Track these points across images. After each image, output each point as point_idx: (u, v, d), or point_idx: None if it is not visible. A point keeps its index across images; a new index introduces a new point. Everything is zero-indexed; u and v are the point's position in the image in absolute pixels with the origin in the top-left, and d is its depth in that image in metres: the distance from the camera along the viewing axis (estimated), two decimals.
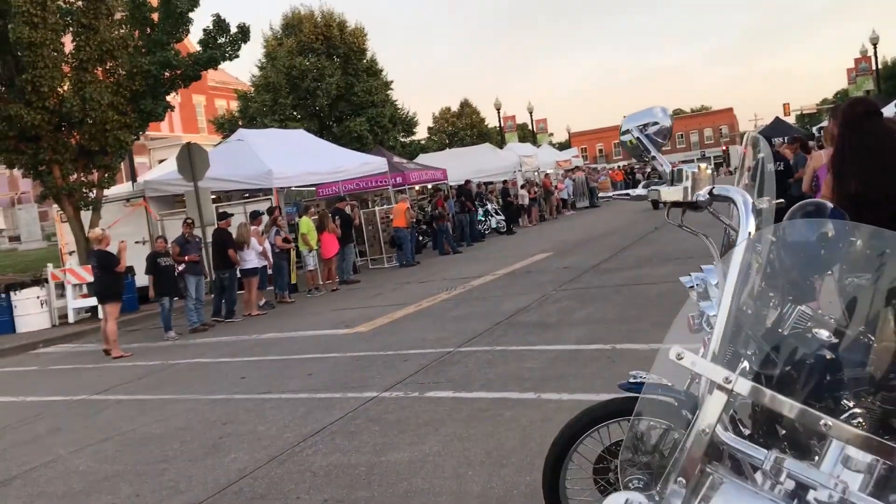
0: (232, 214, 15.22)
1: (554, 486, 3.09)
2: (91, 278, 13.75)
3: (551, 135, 57.46)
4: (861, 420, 1.67)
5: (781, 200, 2.98)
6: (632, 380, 2.77)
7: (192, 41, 19.12)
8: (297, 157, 19.08)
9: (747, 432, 1.68)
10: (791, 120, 70.22)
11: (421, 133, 52.99)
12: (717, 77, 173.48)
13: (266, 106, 32.25)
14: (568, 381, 6.38)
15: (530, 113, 46.19)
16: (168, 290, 12.81)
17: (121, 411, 7.94)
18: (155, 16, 17.06)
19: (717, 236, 2.46)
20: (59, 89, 15.92)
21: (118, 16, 17.03)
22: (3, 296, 15.72)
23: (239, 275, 14.31)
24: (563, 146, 67.09)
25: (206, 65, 17.41)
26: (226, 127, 33.91)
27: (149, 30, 17.03)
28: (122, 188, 20.31)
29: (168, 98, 17.85)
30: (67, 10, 16.29)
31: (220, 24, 17.13)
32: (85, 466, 6.04)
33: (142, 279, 14.51)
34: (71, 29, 16.29)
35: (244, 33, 17.23)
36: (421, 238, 23.28)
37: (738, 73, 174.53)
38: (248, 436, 6.22)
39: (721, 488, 1.36)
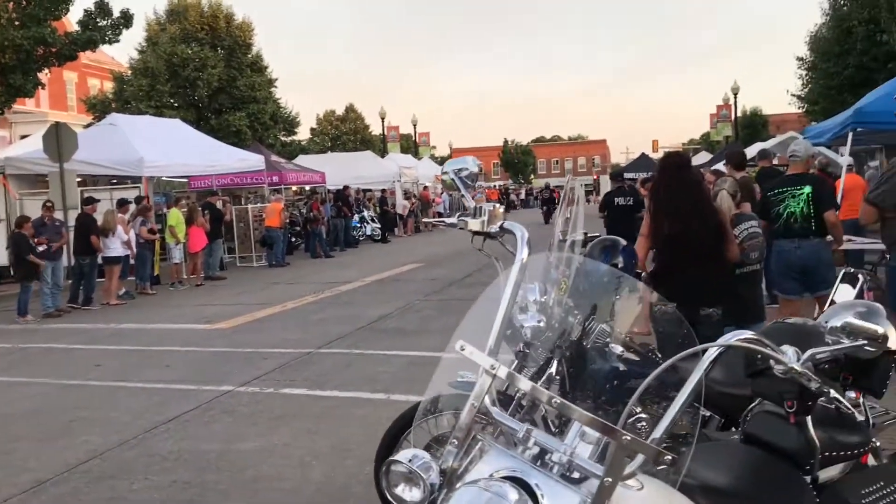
0: (98, 200, 14.82)
1: None
2: None
3: (433, 147, 58.29)
4: (645, 423, 2.10)
5: (597, 234, 3.53)
6: (459, 378, 3.18)
7: (72, 20, 18.46)
8: (171, 147, 18.73)
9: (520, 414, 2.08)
10: (659, 155, 74.17)
11: (303, 133, 52.71)
12: (594, 107, 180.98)
13: (143, 91, 31.27)
14: (418, 385, 6.75)
15: (414, 125, 46.79)
16: (33, 273, 12.43)
17: None
18: None
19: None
20: None
21: None
22: None
23: (100, 262, 13.97)
24: (444, 160, 68.12)
25: (83, 46, 16.90)
26: (98, 108, 32.60)
27: (24, 3, 16.35)
28: None
29: (40, 75, 17.16)
30: None
31: (102, 7, 16.67)
32: None
33: None
34: None
35: (127, 19, 16.84)
36: (294, 239, 23.24)
37: (615, 107, 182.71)
38: (100, 421, 6.26)
39: (487, 451, 1.75)
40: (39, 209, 13.65)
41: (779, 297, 6.45)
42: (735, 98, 38.41)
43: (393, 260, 19.10)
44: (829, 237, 6.18)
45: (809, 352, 1.91)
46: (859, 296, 3.94)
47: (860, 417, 2.76)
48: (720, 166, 13.26)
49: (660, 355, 2.58)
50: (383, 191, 29.93)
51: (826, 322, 2.76)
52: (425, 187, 34.32)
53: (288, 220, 21.34)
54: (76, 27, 17.43)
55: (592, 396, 2.25)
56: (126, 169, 17.06)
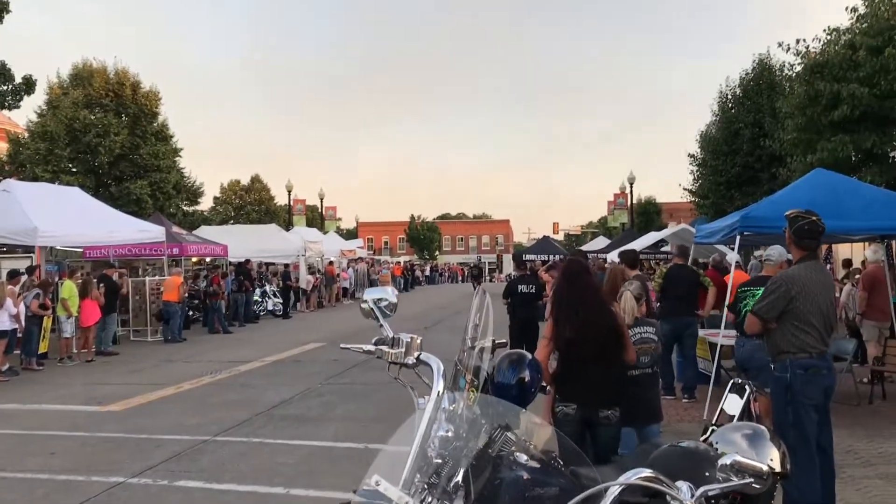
0: None
1: None
2: None
3: (339, 220, 58.30)
4: None
5: (504, 341, 3.67)
6: (364, 487, 3.20)
7: None
8: (68, 216, 18.10)
9: None
10: (560, 237, 76.45)
11: (207, 202, 51.87)
12: (499, 186, 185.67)
13: (40, 154, 30.26)
14: (318, 478, 6.67)
15: (321, 199, 46.79)
16: None
17: None
18: None
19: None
20: None
21: None
22: None
23: None
24: (350, 234, 68.24)
25: None
26: None
27: None
28: None
29: None
30: None
31: (3, 72, 16.24)
32: None
33: None
34: None
35: (29, 85, 16.46)
36: (191, 313, 22.61)
37: (519, 187, 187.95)
38: None
39: None
40: None
41: None
42: (631, 187, 40.24)
43: (294, 338, 18.83)
44: None
45: (702, 489, 2.06)
46: (746, 407, 4.19)
47: None
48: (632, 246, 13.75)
49: (562, 462, 2.68)
50: (287, 265, 29.64)
51: (716, 444, 2.95)
52: (330, 262, 34.14)
53: (186, 294, 20.79)
54: None
55: None
56: (19, 238, 16.35)
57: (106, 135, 31.72)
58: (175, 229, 24.36)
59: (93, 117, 32.26)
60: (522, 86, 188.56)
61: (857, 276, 13.43)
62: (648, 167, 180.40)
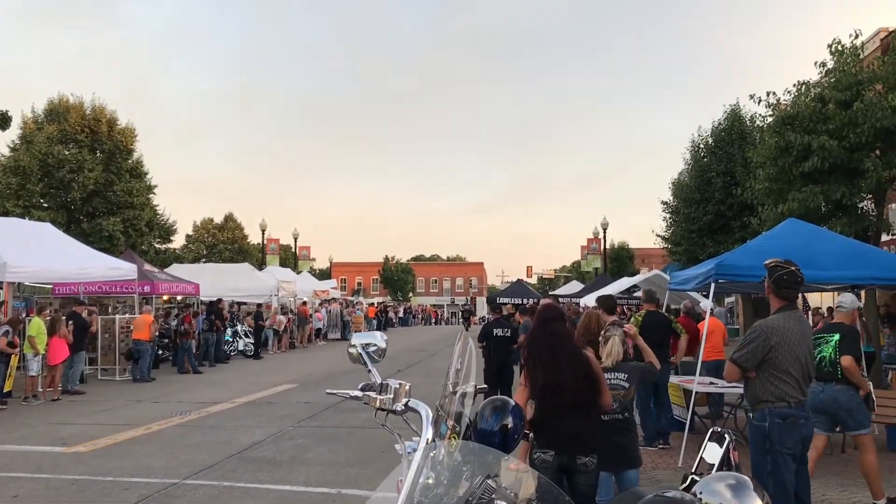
0: None
1: None
2: None
3: (313, 260, 58.06)
4: None
5: (484, 386, 3.65)
6: None
7: None
8: (39, 252, 17.84)
9: None
10: (533, 281, 76.80)
11: (179, 240, 51.48)
12: (474, 228, 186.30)
13: (11, 189, 29.96)
14: None
15: (295, 239, 46.65)
16: None
17: None
18: None
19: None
20: None
21: None
22: None
23: None
24: (323, 274, 67.90)
25: None
26: None
27: None
28: None
29: None
30: None
31: None
32: None
33: None
34: None
35: (3, 120, 16.32)
36: (161, 352, 22.26)
37: (493, 229, 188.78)
38: None
39: None
40: None
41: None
42: (604, 233, 40.66)
43: (266, 379, 18.59)
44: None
45: None
46: (726, 456, 4.17)
47: None
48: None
49: None
50: (259, 305, 29.38)
51: (700, 494, 2.93)
52: (304, 302, 33.92)
53: (157, 333, 20.50)
54: None
55: None
56: None
57: (80, 170, 31.55)
58: (147, 267, 24.14)
59: (67, 153, 32.12)
60: (495, 131, 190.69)
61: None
62: (621, 213, 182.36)
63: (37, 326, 14.97)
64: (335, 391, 2.79)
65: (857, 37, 15.85)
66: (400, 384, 2.43)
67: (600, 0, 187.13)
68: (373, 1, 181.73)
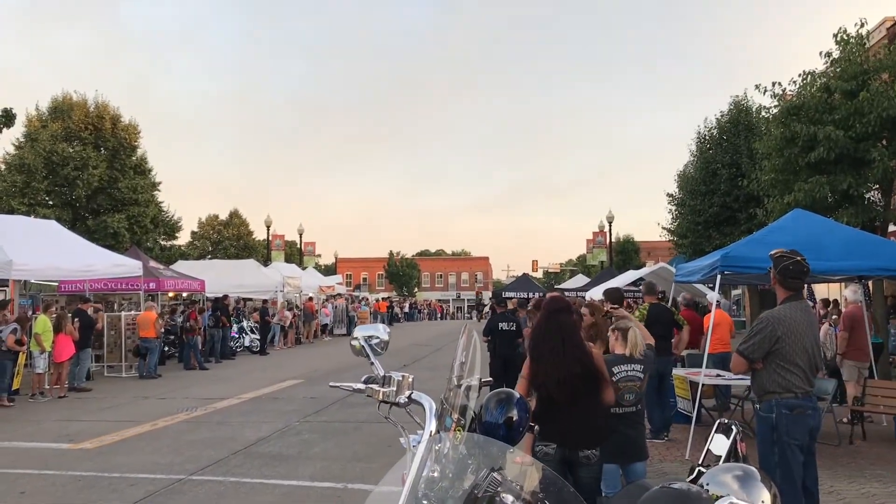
0: None
1: None
2: None
3: (318, 255, 58.05)
4: None
5: (489, 379, 3.62)
6: None
7: None
8: (44, 250, 17.88)
9: None
10: (539, 275, 76.73)
11: (184, 237, 51.51)
12: (479, 224, 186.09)
13: (16, 187, 30.01)
14: None
15: (300, 235, 46.66)
16: None
17: None
18: None
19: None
20: None
21: None
22: None
23: None
24: (329, 270, 67.93)
25: None
26: None
27: None
28: None
29: None
30: None
31: None
32: None
33: None
34: None
35: (8, 118, 16.34)
36: (167, 349, 22.29)
37: (497, 224, 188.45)
38: None
39: None
40: None
41: None
42: (610, 226, 40.55)
43: (271, 375, 18.60)
44: None
45: None
46: (733, 447, 4.15)
47: None
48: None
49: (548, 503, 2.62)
50: (265, 301, 29.41)
51: (707, 486, 2.90)
52: (310, 298, 33.92)
53: (163, 329, 20.52)
54: None
55: None
56: None
57: (84, 168, 31.58)
58: (152, 264, 24.14)
59: (71, 150, 32.14)
60: (501, 126, 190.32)
61: (835, 317, 13.56)
62: (627, 206, 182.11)
63: (43, 324, 15.00)
64: (338, 384, 2.76)
65: (862, 26, 15.73)
66: (403, 376, 2.41)
67: None
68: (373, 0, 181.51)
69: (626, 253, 60.65)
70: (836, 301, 18.52)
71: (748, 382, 7.00)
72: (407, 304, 69.78)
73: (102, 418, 12.43)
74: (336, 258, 76.41)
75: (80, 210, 32.93)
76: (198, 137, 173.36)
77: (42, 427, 11.74)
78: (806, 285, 17.77)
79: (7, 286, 16.16)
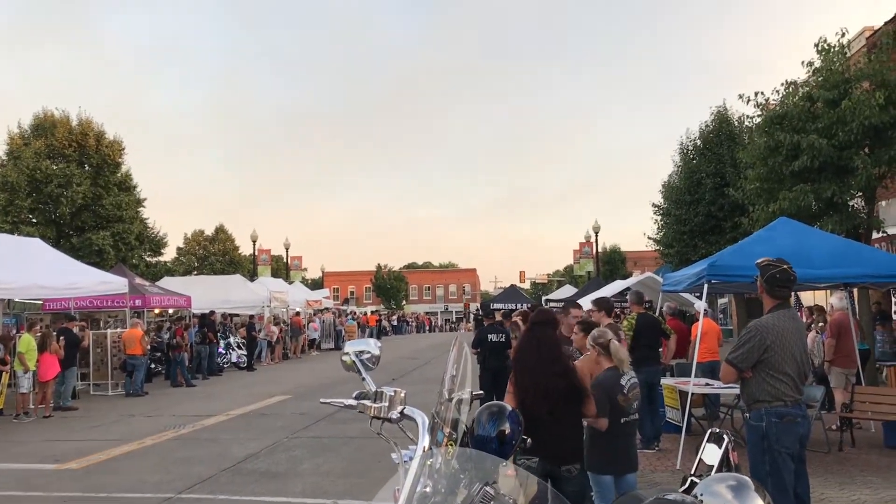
0: None
1: None
2: None
3: (305, 269, 57.85)
4: None
5: (481, 392, 3.61)
6: None
7: None
8: (28, 268, 17.68)
9: None
10: (526, 286, 76.79)
11: (170, 253, 51.22)
12: (466, 236, 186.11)
13: None
14: None
15: (286, 249, 46.52)
16: None
17: None
18: None
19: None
20: None
21: None
22: None
23: None
24: (316, 284, 67.71)
25: None
26: None
27: None
28: None
29: None
30: None
31: None
32: None
33: None
34: None
35: None
36: (154, 366, 22.11)
37: (486, 236, 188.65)
38: None
39: None
40: None
41: None
42: (596, 236, 40.69)
43: (260, 391, 18.48)
44: None
45: None
46: (725, 457, 4.14)
47: None
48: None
49: None
50: (251, 316, 29.25)
51: (701, 496, 2.89)
52: (297, 313, 33.77)
53: (149, 347, 20.37)
54: None
55: None
56: None
57: (68, 185, 31.38)
58: (138, 280, 23.96)
59: (55, 167, 31.94)
60: (487, 138, 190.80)
61: (822, 324, 13.61)
62: (613, 216, 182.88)
63: (26, 343, 14.86)
64: (329, 400, 2.74)
65: (843, 35, 15.90)
66: (395, 391, 2.38)
67: (588, 9, 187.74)
68: (361, 12, 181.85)
69: (612, 263, 60.85)
70: (821, 308, 18.59)
71: (737, 391, 7.01)
72: (395, 317, 69.63)
73: (89, 437, 12.30)
74: (323, 272, 76.16)
75: (64, 227, 32.68)
76: (182, 153, 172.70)
77: (27, 448, 11.60)
78: (793, 293, 17.91)
79: None
